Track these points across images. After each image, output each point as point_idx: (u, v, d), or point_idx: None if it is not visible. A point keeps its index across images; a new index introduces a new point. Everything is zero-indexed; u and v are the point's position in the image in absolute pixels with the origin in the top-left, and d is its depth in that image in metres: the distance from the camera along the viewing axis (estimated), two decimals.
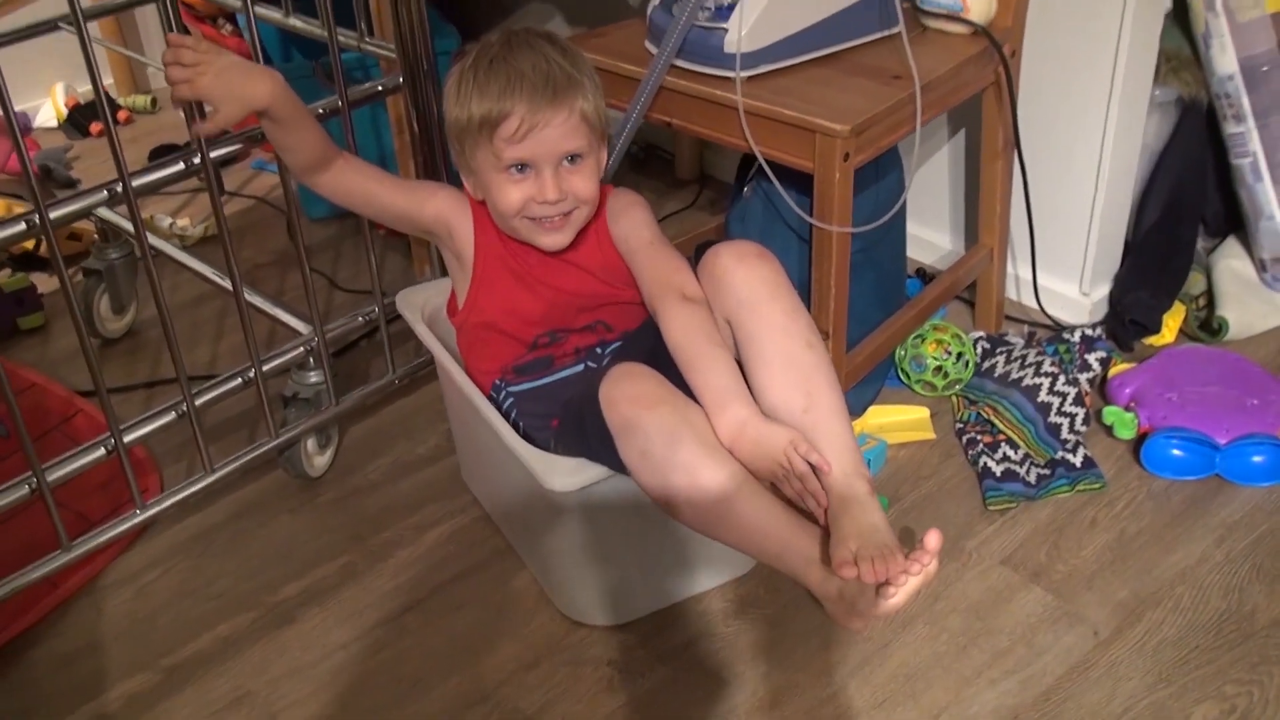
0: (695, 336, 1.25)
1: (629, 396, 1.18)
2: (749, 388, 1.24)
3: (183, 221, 2.26)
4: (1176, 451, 1.56)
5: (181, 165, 1.39)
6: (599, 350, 1.39)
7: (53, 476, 1.36)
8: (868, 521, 1.14)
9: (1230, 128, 1.83)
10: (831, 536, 1.14)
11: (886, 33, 1.54)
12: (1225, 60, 1.78)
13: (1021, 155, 1.70)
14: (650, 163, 2.47)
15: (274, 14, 1.70)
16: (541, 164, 1.28)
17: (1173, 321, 1.81)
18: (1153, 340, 1.80)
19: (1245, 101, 1.79)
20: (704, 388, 1.22)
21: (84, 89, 2.81)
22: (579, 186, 1.30)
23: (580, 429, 1.26)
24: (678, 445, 1.16)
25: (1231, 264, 1.88)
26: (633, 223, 1.38)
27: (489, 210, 1.35)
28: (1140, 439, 1.59)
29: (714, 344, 1.25)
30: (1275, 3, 1.77)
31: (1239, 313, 1.80)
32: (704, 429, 1.19)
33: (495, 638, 1.38)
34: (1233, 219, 1.93)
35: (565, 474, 1.23)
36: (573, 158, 1.29)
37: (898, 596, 1.08)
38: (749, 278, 1.26)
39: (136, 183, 1.32)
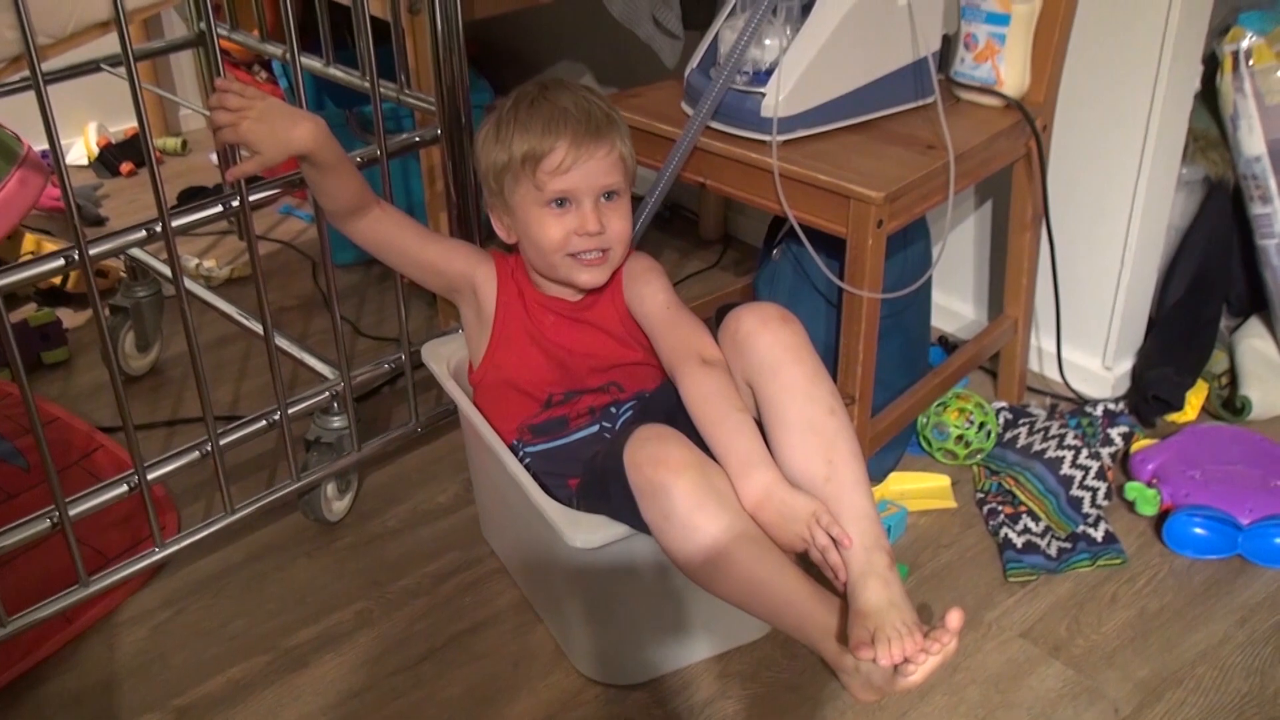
0: (716, 401, 1.25)
1: (654, 459, 1.18)
2: (770, 453, 1.24)
3: (209, 263, 2.28)
4: (1199, 530, 1.55)
5: (220, 208, 1.40)
6: (613, 410, 1.39)
7: (74, 511, 1.35)
8: (886, 598, 1.12)
9: (1256, 208, 1.84)
10: (850, 612, 1.13)
11: (921, 102, 1.55)
12: (1253, 142, 1.80)
13: (1050, 228, 1.71)
14: (675, 222, 2.48)
15: (314, 63, 1.72)
16: (582, 197, 1.31)
17: (1195, 399, 1.81)
18: (1175, 417, 1.80)
19: (1272, 183, 1.80)
20: (727, 452, 1.22)
21: (115, 129, 2.84)
22: (616, 225, 1.34)
23: (603, 488, 1.26)
24: (701, 511, 1.16)
25: (1255, 343, 1.88)
26: (650, 287, 1.40)
27: (524, 250, 1.38)
28: (1162, 516, 1.58)
29: (735, 408, 1.25)
30: None
31: (1262, 392, 1.80)
32: (728, 495, 1.18)
33: (510, 691, 1.37)
34: (1257, 299, 1.94)
35: (587, 531, 1.23)
36: (610, 194, 1.33)
37: (916, 675, 1.07)
38: (773, 342, 1.26)
39: (175, 223, 1.33)
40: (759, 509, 1.18)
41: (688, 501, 1.16)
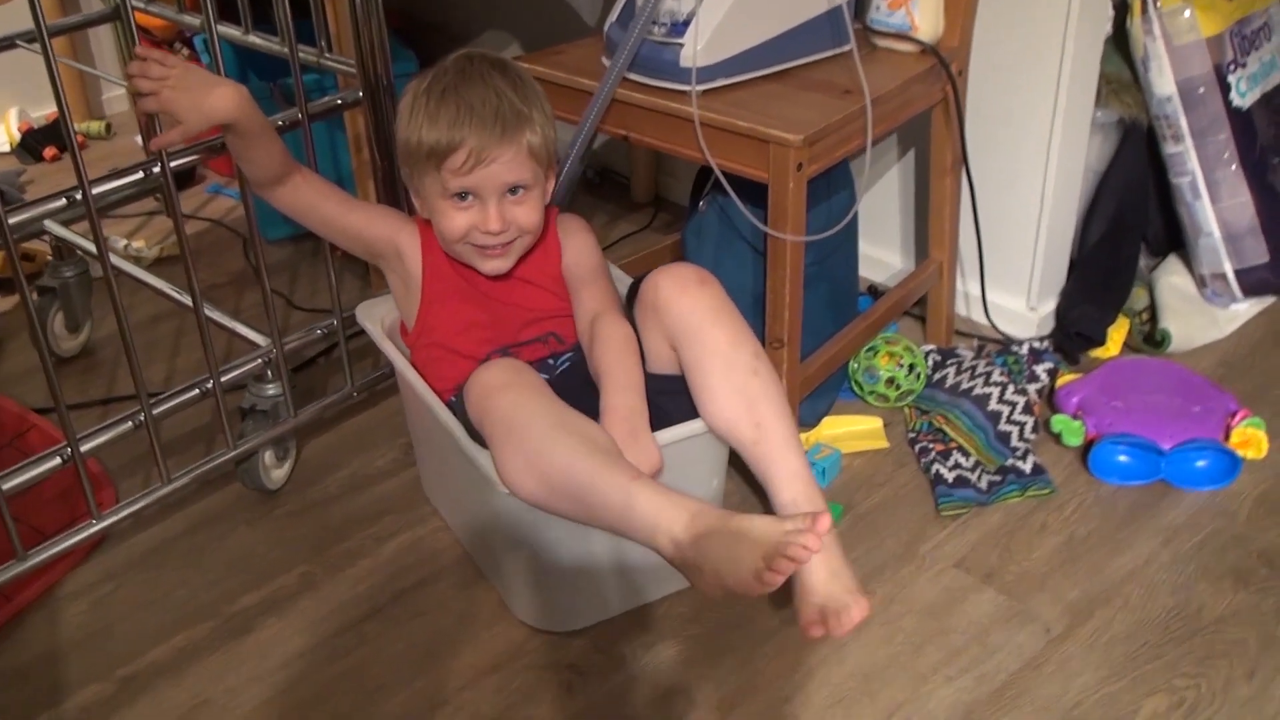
0: (611, 347, 1.32)
1: (482, 384, 1.23)
2: (698, 413, 1.26)
3: (138, 243, 2.25)
4: (1123, 457, 1.59)
5: (141, 174, 1.39)
6: (551, 362, 1.41)
7: (7, 485, 1.35)
8: (828, 568, 1.15)
9: (1169, 148, 1.88)
10: (796, 587, 1.16)
11: (838, 50, 1.58)
12: (1163, 82, 1.84)
13: (970, 173, 1.74)
14: (605, 185, 2.50)
15: (233, 31, 1.71)
16: (486, 195, 1.31)
17: (1117, 335, 1.86)
18: (1098, 353, 1.85)
19: (1183, 122, 1.85)
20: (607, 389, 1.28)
21: (37, 114, 2.80)
22: (521, 217, 1.33)
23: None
24: (520, 431, 1.19)
25: (1173, 280, 1.93)
26: (582, 247, 1.43)
27: (435, 231, 1.38)
28: (1087, 446, 1.62)
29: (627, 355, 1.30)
30: (1210, 27, 1.83)
31: (1181, 325, 1.85)
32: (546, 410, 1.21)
33: (455, 644, 1.38)
34: (1174, 237, 1.99)
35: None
36: (516, 189, 1.32)
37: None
38: (692, 306, 1.28)
39: (96, 190, 1.33)
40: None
41: (507, 409, 1.20)
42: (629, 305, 1.39)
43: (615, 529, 1.17)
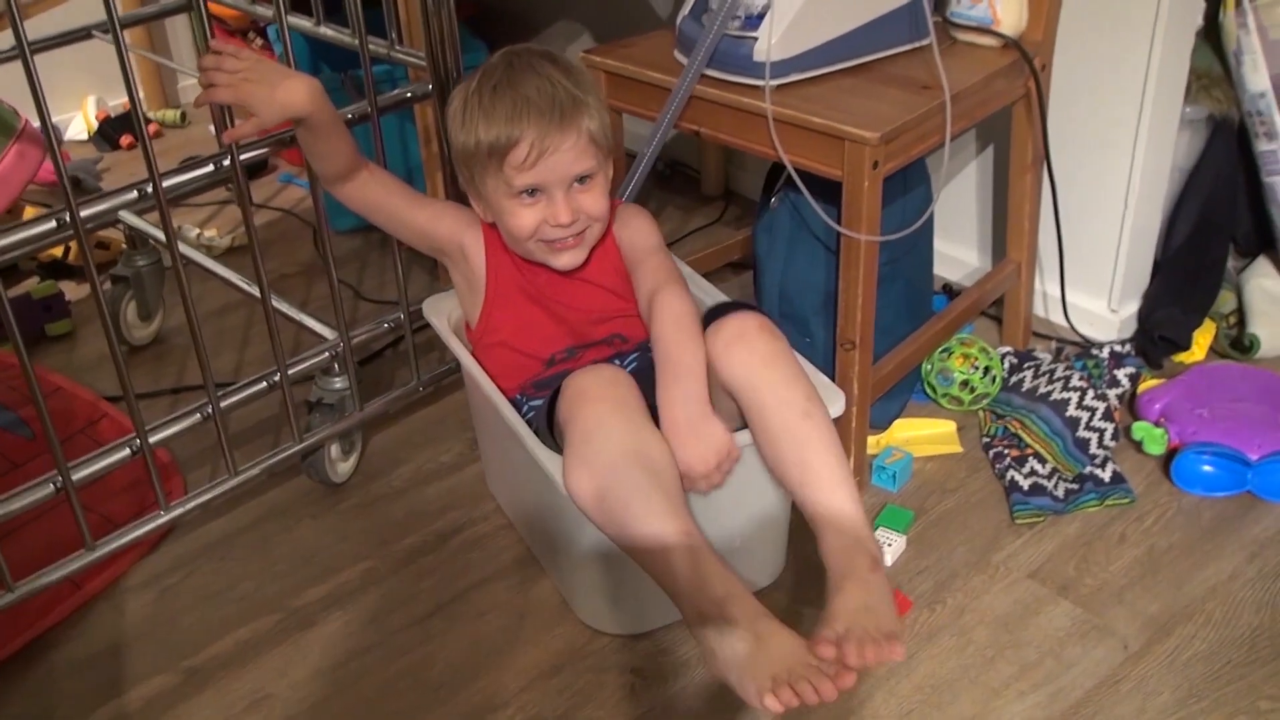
0: (672, 323, 1.28)
1: (578, 390, 1.21)
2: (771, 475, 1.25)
3: (209, 233, 2.27)
4: (1207, 467, 1.54)
5: (211, 167, 1.39)
6: (617, 363, 1.39)
7: (78, 476, 1.36)
8: (862, 601, 1.08)
9: (1261, 145, 1.82)
10: (826, 610, 1.10)
11: (917, 44, 1.54)
12: (1257, 78, 1.78)
13: (1051, 170, 1.69)
14: (675, 179, 2.47)
15: (304, 23, 1.71)
16: (552, 187, 1.28)
17: (1203, 339, 1.80)
18: (1182, 357, 1.79)
19: (1277, 119, 1.78)
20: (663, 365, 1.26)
21: (114, 102, 2.84)
22: (590, 205, 1.31)
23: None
24: (600, 430, 1.17)
25: (1263, 283, 1.86)
26: (638, 228, 1.40)
27: (501, 233, 1.36)
28: (1170, 455, 1.57)
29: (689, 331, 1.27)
30: None
31: (1270, 330, 1.78)
32: (644, 431, 1.19)
33: (518, 644, 1.37)
34: (1264, 238, 1.91)
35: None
36: (582, 178, 1.29)
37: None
38: (749, 355, 1.24)
39: (167, 183, 1.33)
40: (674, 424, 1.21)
41: (591, 421, 1.18)
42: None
43: (649, 573, 1.15)
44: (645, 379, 1.33)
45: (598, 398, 1.20)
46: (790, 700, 0.99)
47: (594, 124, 1.28)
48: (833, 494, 1.18)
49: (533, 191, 1.29)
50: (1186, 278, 1.84)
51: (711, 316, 1.30)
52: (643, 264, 1.38)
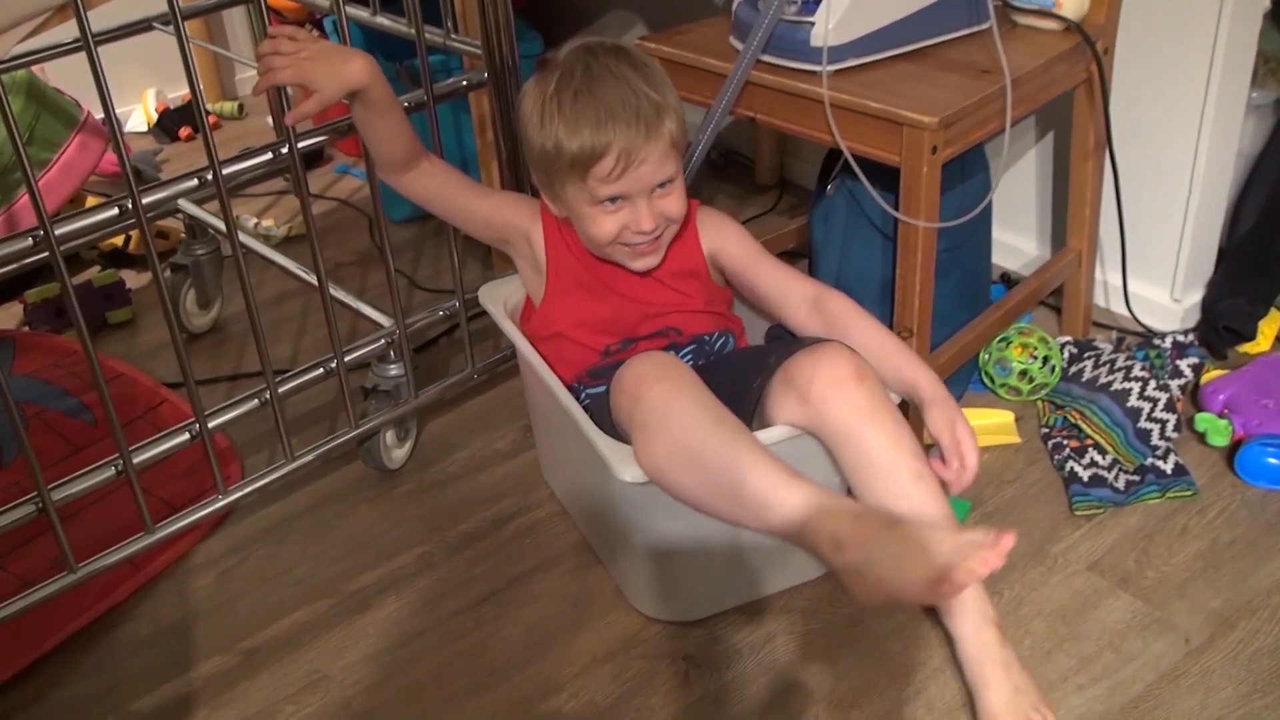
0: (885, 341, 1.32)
1: (637, 374, 1.21)
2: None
3: (267, 222, 2.29)
4: (1273, 460, 1.51)
5: (270, 155, 1.40)
6: (672, 353, 1.38)
7: (138, 459, 1.37)
8: (1010, 687, 1.17)
9: None
10: (981, 707, 1.19)
11: (976, 28, 1.51)
12: None
13: (1114, 157, 1.66)
14: (730, 167, 2.46)
15: (361, 13, 1.72)
16: (636, 195, 1.29)
17: (1269, 329, 1.76)
18: (1247, 348, 1.75)
19: None
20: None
21: (173, 94, 2.87)
22: (671, 209, 1.32)
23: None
24: (666, 403, 1.17)
25: None
26: (736, 240, 1.42)
27: (576, 231, 1.37)
28: (1234, 447, 1.54)
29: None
30: None
31: None
32: (701, 397, 1.19)
33: (571, 630, 1.37)
34: None
35: (637, 465, 1.22)
36: (664, 183, 1.30)
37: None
38: (851, 408, 1.20)
39: (226, 170, 1.34)
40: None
41: (657, 399, 1.17)
42: (772, 359, 1.32)
43: (763, 526, 1.11)
44: (700, 371, 1.33)
45: (660, 377, 1.20)
46: (965, 579, 0.96)
47: (675, 126, 1.28)
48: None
49: (614, 199, 1.29)
50: (1252, 267, 1.80)
51: (776, 339, 1.31)
52: (766, 271, 1.40)
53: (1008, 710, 1.16)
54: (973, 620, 1.21)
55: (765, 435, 1.23)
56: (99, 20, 1.23)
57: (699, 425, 1.15)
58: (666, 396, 1.18)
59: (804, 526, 1.07)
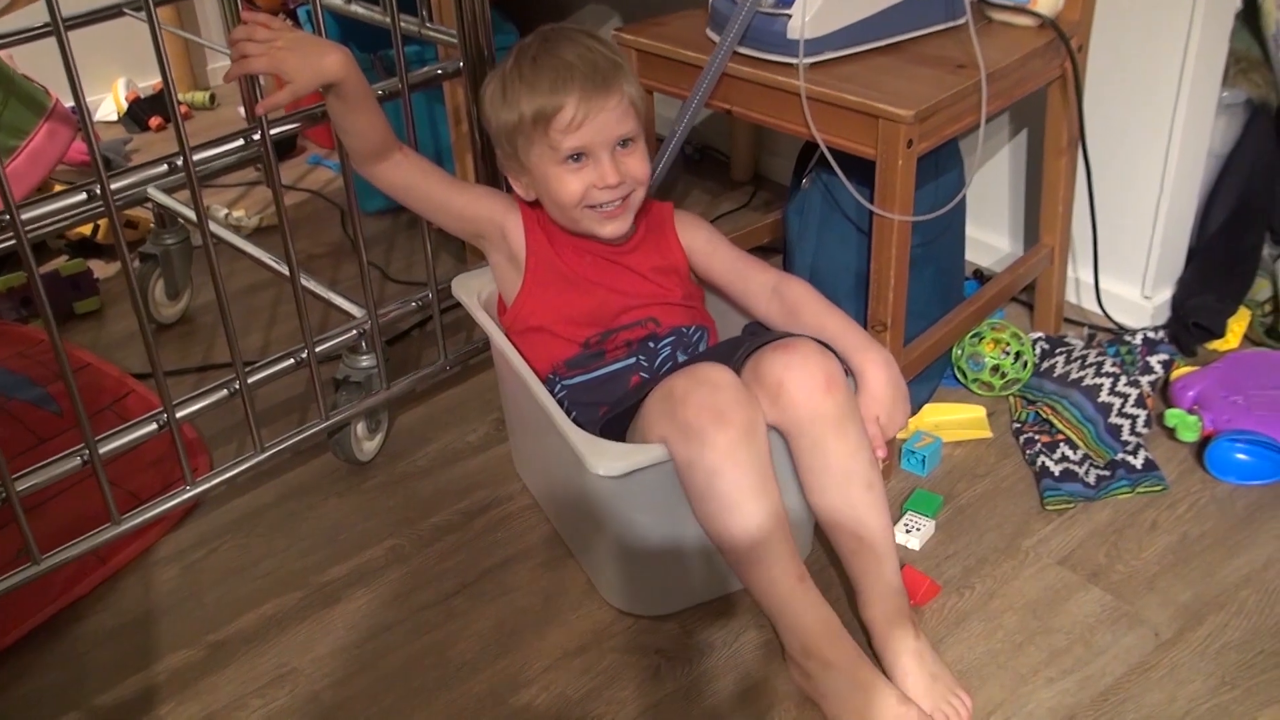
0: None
1: (705, 405, 1.19)
2: (807, 505, 1.30)
3: (238, 213, 2.27)
4: (1241, 455, 1.52)
5: (240, 141, 1.39)
6: (650, 344, 1.38)
7: (105, 449, 1.36)
8: (927, 674, 1.21)
9: None
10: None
11: (952, 23, 1.52)
12: None
13: (1086, 154, 1.67)
14: (705, 163, 2.46)
15: (336, 1, 1.71)
16: (598, 150, 1.30)
17: (1237, 326, 1.77)
18: (1216, 345, 1.77)
19: None
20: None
21: (144, 84, 2.84)
22: (634, 168, 1.33)
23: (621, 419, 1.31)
24: (742, 493, 1.20)
25: None
26: (709, 238, 1.45)
27: (545, 207, 1.37)
28: (1204, 442, 1.55)
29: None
30: None
31: None
32: (770, 477, 1.22)
33: (542, 624, 1.37)
34: None
35: (611, 458, 1.22)
36: (625, 141, 1.32)
37: None
38: (817, 415, 1.24)
39: (197, 157, 1.33)
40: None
41: (734, 476, 1.19)
42: (740, 351, 1.33)
43: (758, 601, 1.24)
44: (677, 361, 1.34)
45: (729, 423, 1.19)
46: None
47: (633, 89, 1.32)
48: (882, 565, 1.26)
49: (578, 156, 1.30)
50: (1222, 265, 1.81)
51: (754, 334, 1.33)
52: (736, 266, 1.43)
53: (926, 695, 1.20)
54: (887, 617, 1.25)
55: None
56: (69, 4, 1.21)
57: (741, 495, 1.20)
58: (729, 451, 1.19)
59: (787, 626, 1.22)
